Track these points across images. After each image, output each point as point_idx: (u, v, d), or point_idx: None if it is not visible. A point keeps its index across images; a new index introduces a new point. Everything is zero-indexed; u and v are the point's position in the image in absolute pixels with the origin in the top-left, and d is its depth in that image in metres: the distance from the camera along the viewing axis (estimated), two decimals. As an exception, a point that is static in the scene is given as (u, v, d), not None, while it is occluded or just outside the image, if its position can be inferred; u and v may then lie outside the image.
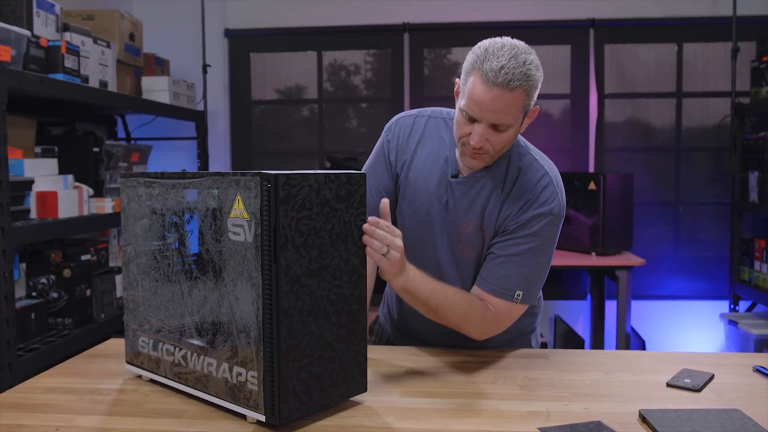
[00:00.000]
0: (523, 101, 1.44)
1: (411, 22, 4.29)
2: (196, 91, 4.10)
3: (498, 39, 1.47)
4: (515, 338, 1.79)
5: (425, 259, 1.63)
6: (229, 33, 4.39)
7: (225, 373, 1.26)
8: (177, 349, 1.36)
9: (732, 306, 3.88)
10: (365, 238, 1.33)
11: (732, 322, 3.61)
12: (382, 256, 1.36)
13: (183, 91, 3.85)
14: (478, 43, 1.48)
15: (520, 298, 1.56)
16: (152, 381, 1.45)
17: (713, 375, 1.52)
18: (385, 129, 1.74)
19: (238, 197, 1.21)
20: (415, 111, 1.73)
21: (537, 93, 1.48)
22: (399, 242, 1.38)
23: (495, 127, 1.46)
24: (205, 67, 4.16)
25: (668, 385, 1.46)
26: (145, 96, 3.59)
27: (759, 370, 1.56)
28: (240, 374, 1.23)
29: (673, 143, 4.24)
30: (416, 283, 1.47)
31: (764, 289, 3.47)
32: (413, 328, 1.81)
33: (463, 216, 1.60)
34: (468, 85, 1.46)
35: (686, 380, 1.47)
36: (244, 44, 4.43)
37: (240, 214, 1.21)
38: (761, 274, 3.51)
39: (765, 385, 1.47)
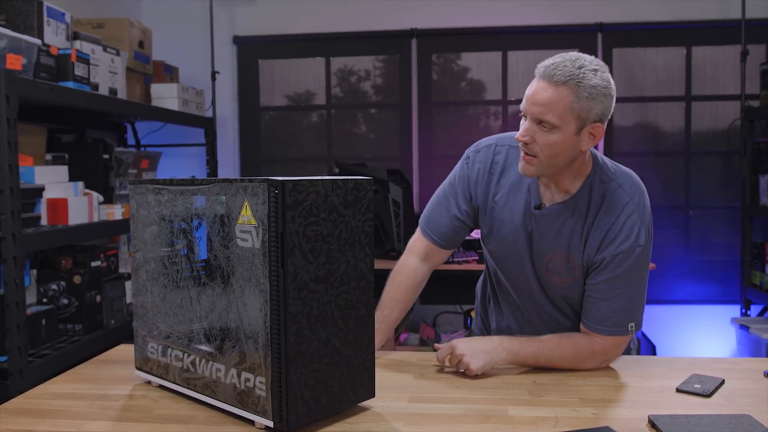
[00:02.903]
0: (571, 102, 1.42)
1: (419, 27, 4.30)
2: (205, 98, 4.12)
3: (568, 53, 1.48)
4: None
5: (517, 289, 1.69)
6: (237, 40, 4.42)
7: (233, 378, 1.26)
8: (186, 354, 1.36)
9: (743, 310, 3.85)
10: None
11: (743, 327, 3.59)
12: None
13: (192, 98, 3.87)
14: None
15: (633, 328, 1.58)
16: (161, 387, 1.46)
17: (723, 380, 1.50)
18: (464, 158, 1.73)
19: (246, 204, 1.21)
20: (494, 139, 1.71)
21: (599, 106, 1.45)
22: (464, 361, 1.52)
23: (540, 124, 1.46)
24: (213, 74, 4.19)
25: (678, 390, 1.45)
26: (154, 103, 3.62)
27: (770, 376, 1.54)
28: (248, 380, 1.23)
29: (682, 147, 4.22)
30: (519, 357, 1.56)
31: (776, 293, 3.45)
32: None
33: (549, 247, 1.61)
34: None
35: (696, 385, 1.46)
36: (252, 51, 4.46)
37: (248, 221, 1.21)
38: (773, 278, 3.49)
39: (776, 391, 1.46)
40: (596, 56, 4.05)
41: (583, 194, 1.57)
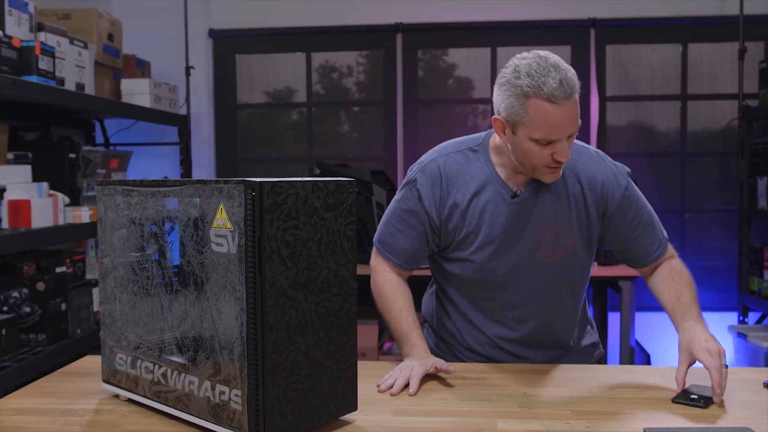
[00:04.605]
0: (578, 102, 1.49)
1: (404, 22, 4.21)
2: (179, 94, 4.01)
3: (522, 61, 1.49)
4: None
5: (509, 287, 1.67)
6: (213, 33, 4.32)
7: (207, 391, 1.20)
8: (156, 366, 1.29)
9: (741, 318, 3.80)
10: None
11: (741, 335, 3.53)
12: None
13: (165, 94, 3.77)
14: (508, 72, 1.50)
15: (666, 235, 1.73)
16: (130, 401, 1.39)
17: None
18: (408, 182, 1.69)
19: (221, 206, 1.15)
20: (433, 154, 1.70)
21: None
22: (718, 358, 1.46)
23: (571, 134, 1.51)
24: (188, 69, 4.08)
25: (674, 401, 1.40)
26: (124, 99, 3.52)
27: (770, 386, 1.50)
28: (223, 393, 1.17)
29: (677, 148, 4.17)
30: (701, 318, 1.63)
31: (774, 299, 3.40)
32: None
33: (536, 226, 1.62)
34: (532, 115, 1.46)
35: (693, 396, 1.41)
36: (229, 45, 4.36)
37: (223, 224, 1.15)
38: (770, 283, 3.45)
39: (777, 402, 1.41)
40: (589, 53, 4.08)
41: None
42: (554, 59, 1.47)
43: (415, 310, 1.71)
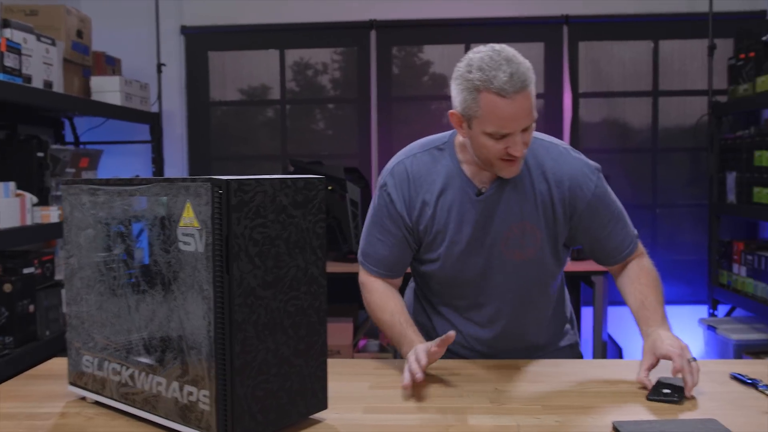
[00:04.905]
0: (533, 92, 1.49)
1: (378, 18, 4.20)
2: (151, 91, 3.96)
3: (476, 55, 1.48)
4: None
5: (478, 285, 1.67)
6: (185, 30, 4.27)
7: (175, 392, 1.19)
8: (124, 368, 1.28)
9: (711, 311, 3.85)
10: None
11: (711, 328, 3.58)
12: None
13: (136, 91, 3.72)
14: (463, 67, 1.49)
15: (637, 234, 1.73)
16: (97, 403, 1.37)
17: None
18: (380, 187, 1.69)
19: (188, 205, 1.14)
20: (399, 156, 1.69)
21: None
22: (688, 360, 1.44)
23: (525, 128, 1.49)
24: (159, 66, 4.03)
25: (648, 399, 1.40)
26: (94, 97, 3.46)
27: (737, 378, 1.51)
28: (191, 393, 1.16)
29: (649, 143, 4.21)
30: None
31: (743, 292, 3.44)
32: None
33: (503, 223, 1.61)
34: (484, 109, 1.45)
35: (665, 391, 1.42)
36: (201, 42, 4.32)
37: (190, 223, 1.14)
38: (740, 277, 3.49)
39: (742, 393, 1.43)
40: (562, 50, 4.10)
41: None
42: (508, 53, 1.46)
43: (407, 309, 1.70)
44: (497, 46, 1.48)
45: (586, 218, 1.64)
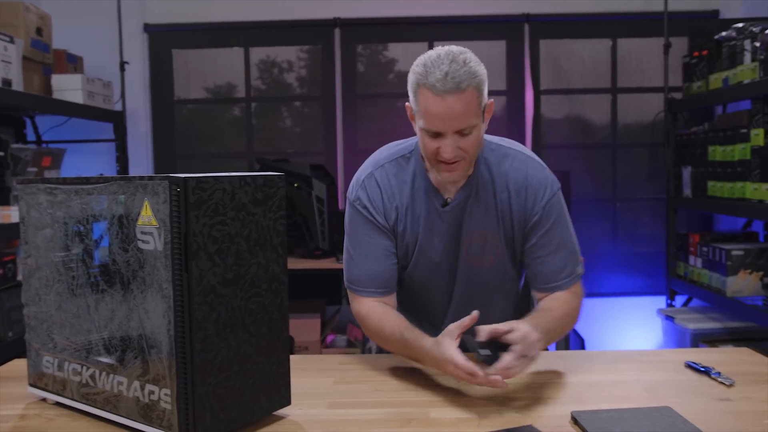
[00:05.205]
0: (477, 98, 1.45)
1: (342, 16, 4.21)
2: (114, 90, 3.91)
3: (432, 51, 1.49)
4: None
5: (442, 291, 1.68)
6: (148, 28, 4.23)
7: (136, 392, 1.18)
8: (84, 368, 1.27)
9: (669, 301, 3.94)
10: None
11: (669, 318, 3.67)
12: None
13: (99, 90, 3.68)
14: (416, 61, 1.49)
15: (581, 268, 1.63)
16: (58, 404, 1.35)
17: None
18: (351, 203, 1.63)
19: (146, 203, 1.13)
20: (367, 168, 1.66)
21: (487, 87, 1.49)
22: (531, 349, 1.32)
23: (461, 133, 1.46)
24: (122, 64, 3.98)
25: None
26: (56, 95, 3.40)
27: (691, 366, 1.56)
28: (152, 392, 1.16)
29: (609, 139, 4.29)
30: (548, 337, 1.49)
31: (699, 283, 3.53)
32: None
33: (466, 231, 1.61)
34: (420, 104, 1.46)
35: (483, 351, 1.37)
36: (165, 40, 4.28)
37: (148, 221, 1.13)
38: (696, 268, 3.58)
39: (696, 381, 1.47)
40: (523, 48, 4.16)
41: (481, 169, 1.60)
42: (457, 54, 1.44)
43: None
44: (455, 48, 1.48)
45: (531, 230, 1.60)
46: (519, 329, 1.32)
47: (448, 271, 1.66)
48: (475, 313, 1.36)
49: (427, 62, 1.45)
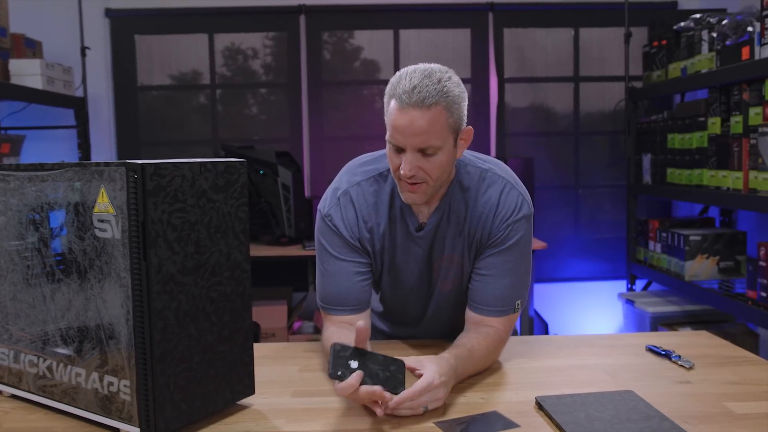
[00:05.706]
0: (446, 119, 1.37)
1: (307, 3, 4.17)
2: (75, 75, 3.81)
3: (417, 65, 1.41)
4: None
5: (413, 315, 1.67)
6: (110, 13, 4.14)
7: (95, 383, 1.15)
8: (41, 359, 1.23)
9: (629, 286, 4.01)
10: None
11: (629, 302, 3.73)
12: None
13: (59, 75, 3.59)
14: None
15: (519, 305, 1.55)
16: (14, 396, 1.32)
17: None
18: (323, 218, 1.55)
19: (102, 190, 1.11)
20: (341, 185, 1.56)
21: (463, 111, 1.42)
22: (434, 395, 1.25)
23: (423, 152, 1.39)
24: (83, 49, 3.86)
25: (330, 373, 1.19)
26: (13, 81, 3.31)
27: (652, 350, 1.58)
28: (111, 384, 1.13)
29: (572, 127, 4.34)
30: (460, 378, 1.39)
31: (658, 267, 3.59)
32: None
33: (438, 253, 1.55)
34: (388, 114, 1.40)
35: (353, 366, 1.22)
36: (127, 25, 4.19)
37: (105, 209, 1.10)
38: (655, 253, 3.64)
39: (657, 365, 1.50)
40: (488, 36, 4.16)
41: (454, 192, 1.53)
42: (435, 71, 1.38)
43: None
44: (438, 66, 1.41)
45: (489, 246, 1.53)
46: (426, 377, 1.24)
47: (424, 298, 1.64)
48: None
49: (403, 73, 1.39)
